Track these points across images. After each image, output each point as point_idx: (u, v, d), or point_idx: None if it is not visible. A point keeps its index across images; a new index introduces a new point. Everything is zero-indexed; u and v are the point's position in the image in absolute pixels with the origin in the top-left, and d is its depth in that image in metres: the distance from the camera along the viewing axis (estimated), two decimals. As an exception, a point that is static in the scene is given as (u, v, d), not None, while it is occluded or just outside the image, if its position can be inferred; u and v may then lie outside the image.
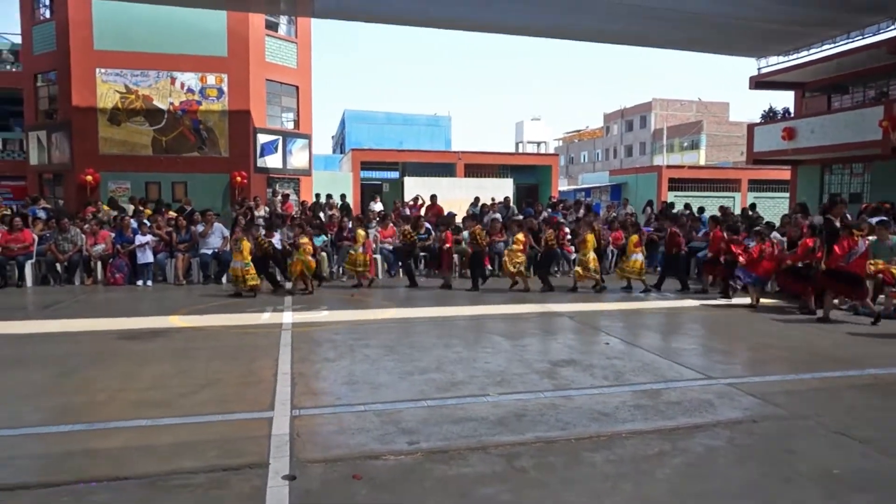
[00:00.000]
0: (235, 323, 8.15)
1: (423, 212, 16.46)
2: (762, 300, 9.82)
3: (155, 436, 4.13)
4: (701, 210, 16.52)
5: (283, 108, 21.22)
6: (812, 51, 18.01)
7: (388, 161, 28.79)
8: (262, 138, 20.16)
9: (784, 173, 24.74)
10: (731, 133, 54.31)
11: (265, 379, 5.47)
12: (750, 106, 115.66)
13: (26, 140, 20.81)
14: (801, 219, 10.79)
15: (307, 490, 3.33)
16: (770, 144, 20.64)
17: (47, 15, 19.38)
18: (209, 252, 12.00)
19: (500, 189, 23.68)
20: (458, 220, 14.18)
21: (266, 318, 8.55)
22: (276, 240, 11.45)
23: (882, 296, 9.15)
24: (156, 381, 5.40)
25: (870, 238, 9.35)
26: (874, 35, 16.45)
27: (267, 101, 20.35)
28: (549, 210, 16.67)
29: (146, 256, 11.69)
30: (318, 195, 18.65)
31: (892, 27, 15.91)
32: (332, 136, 47.55)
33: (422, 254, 13.13)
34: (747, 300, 9.82)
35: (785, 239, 10.66)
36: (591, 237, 11.02)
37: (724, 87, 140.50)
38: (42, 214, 13.71)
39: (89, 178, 18.11)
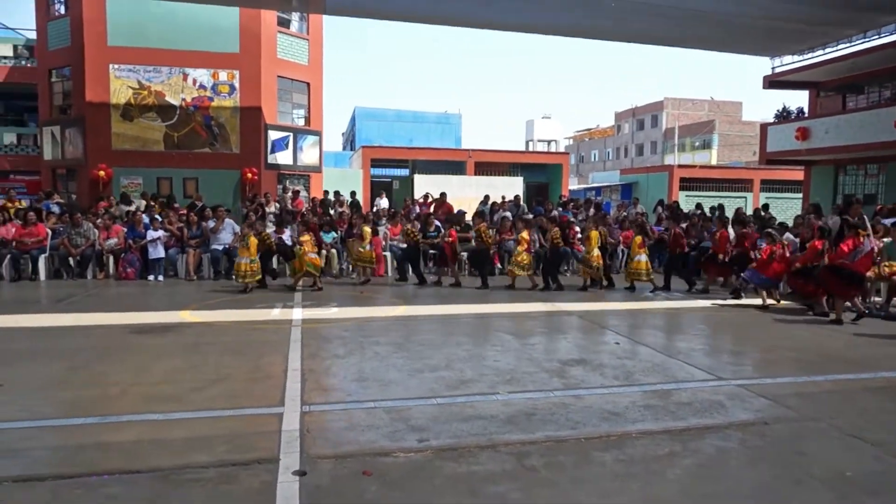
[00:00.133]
0: (245, 319, 8.20)
1: (432, 209, 16.45)
2: (771, 301, 9.74)
3: (166, 430, 4.17)
4: (721, 208, 16.34)
5: (294, 104, 21.28)
6: (827, 50, 17.82)
7: (398, 158, 28.83)
8: (273, 135, 20.24)
9: (797, 174, 24.53)
10: (744, 133, 53.92)
11: (275, 375, 5.50)
12: (763, 105, 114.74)
13: (40, 135, 21.01)
14: (815, 220, 10.69)
15: (317, 486, 3.34)
16: (783, 144, 20.47)
17: (62, 11, 19.54)
18: (220, 248, 12.06)
19: (511, 187, 23.63)
20: (469, 217, 14.16)
21: (276, 314, 8.59)
22: (287, 236, 11.51)
23: (896, 298, 9.07)
24: (167, 375, 5.44)
25: (885, 240, 9.27)
26: (890, 35, 16.26)
27: (278, 97, 20.42)
28: (560, 209, 16.62)
29: (158, 251, 11.77)
30: (326, 192, 18.70)
31: (909, 27, 15.74)
32: (343, 133, 47.68)
33: (431, 251, 13.12)
34: (758, 301, 9.75)
35: (798, 240, 10.57)
36: (594, 234, 11.02)
37: (737, 87, 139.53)
38: (56, 209, 13.85)
39: (102, 173, 18.28)
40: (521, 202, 17.57)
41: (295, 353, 6.26)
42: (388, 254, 12.80)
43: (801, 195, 23.73)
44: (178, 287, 11.05)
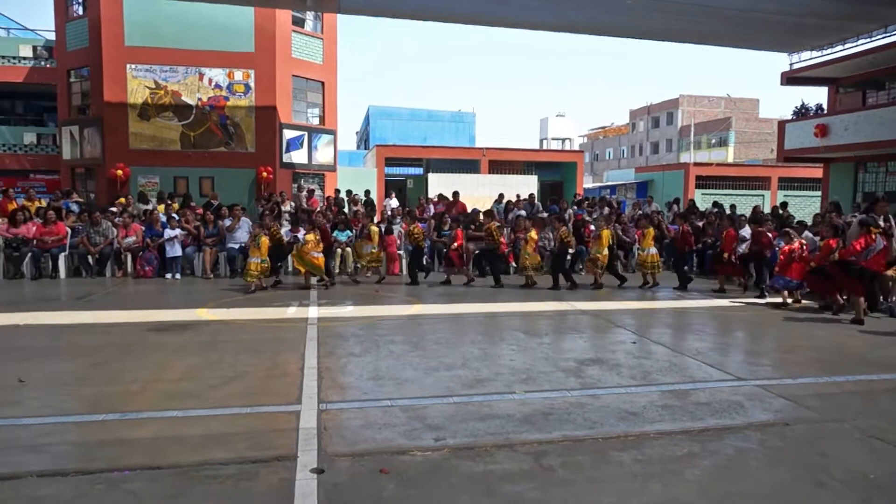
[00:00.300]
0: (262, 317, 8.25)
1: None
2: (791, 301, 9.63)
3: (186, 426, 4.21)
4: (732, 208, 16.20)
5: (308, 103, 21.38)
6: (847, 45, 17.53)
7: (412, 157, 28.86)
8: (288, 134, 20.35)
9: (816, 171, 24.23)
10: (761, 130, 53.30)
11: (292, 372, 5.53)
12: (781, 102, 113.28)
13: (59, 135, 21.29)
14: (836, 218, 10.56)
15: (335, 484, 3.35)
16: (802, 142, 20.22)
17: (80, 12, 19.79)
18: (236, 246, 12.16)
19: (525, 186, 23.57)
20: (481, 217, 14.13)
21: (292, 312, 8.64)
22: (302, 235, 11.56)
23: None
24: (185, 372, 5.49)
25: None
26: (911, 30, 15.99)
27: (293, 96, 20.53)
28: (575, 207, 16.55)
29: (175, 250, 11.90)
30: (337, 190, 18.74)
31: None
32: (357, 132, 47.78)
33: (445, 250, 13.10)
34: (777, 299, 9.65)
35: (817, 239, 10.44)
36: (606, 233, 10.99)
37: (754, 84, 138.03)
38: (75, 208, 14.04)
39: (119, 172, 18.50)
40: (536, 201, 17.50)
41: (311, 350, 6.29)
42: (402, 252, 12.81)
43: (819, 193, 23.44)
44: (195, 285, 11.16)
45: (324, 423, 4.23)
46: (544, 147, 61.88)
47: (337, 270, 12.12)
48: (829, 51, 18.15)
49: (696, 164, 32.94)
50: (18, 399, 4.75)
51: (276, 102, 19.75)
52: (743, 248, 11.12)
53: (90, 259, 11.91)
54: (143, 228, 12.33)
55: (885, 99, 19.52)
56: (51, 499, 3.17)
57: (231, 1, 16.83)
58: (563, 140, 70.27)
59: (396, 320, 8.24)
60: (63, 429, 4.18)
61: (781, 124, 21.82)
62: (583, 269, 13.07)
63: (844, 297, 8.97)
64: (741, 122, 54.55)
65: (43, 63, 23.25)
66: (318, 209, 15.49)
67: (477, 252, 12.14)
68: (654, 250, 11.31)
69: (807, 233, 10.67)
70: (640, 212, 16.57)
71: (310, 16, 21.03)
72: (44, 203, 14.12)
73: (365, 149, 37.22)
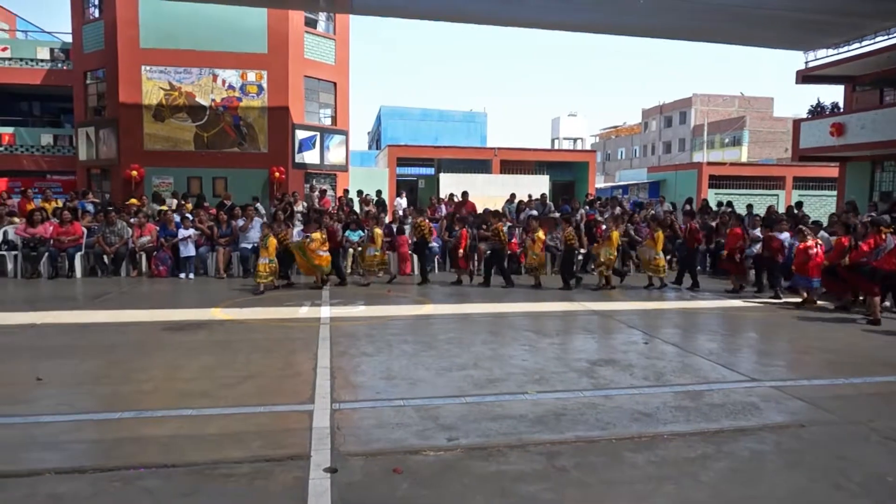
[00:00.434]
0: (275, 316, 8.30)
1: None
2: (807, 300, 9.53)
3: (201, 425, 4.24)
4: (749, 207, 16.02)
5: (320, 104, 21.47)
6: (864, 43, 17.33)
7: (423, 157, 28.87)
8: (301, 134, 20.45)
9: (831, 171, 23.94)
10: (776, 129, 52.78)
11: (305, 372, 5.56)
12: (796, 101, 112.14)
13: (76, 136, 21.54)
14: (854, 217, 10.44)
15: (348, 483, 3.37)
16: (817, 140, 19.98)
17: (96, 14, 20.00)
18: (249, 246, 12.23)
19: (537, 186, 23.51)
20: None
21: (304, 312, 8.68)
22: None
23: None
24: (199, 371, 5.54)
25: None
26: (930, 26, 15.77)
27: (305, 97, 20.62)
28: (587, 207, 16.47)
29: (188, 250, 11.99)
30: (346, 191, 18.75)
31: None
32: (368, 132, 47.90)
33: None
34: (797, 299, 9.55)
35: (832, 239, 10.33)
36: (615, 234, 10.93)
37: (769, 83, 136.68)
38: (90, 208, 14.20)
39: (134, 172, 18.69)
40: (548, 200, 17.44)
41: (324, 350, 6.32)
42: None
43: (835, 192, 23.15)
44: (209, 285, 11.24)
45: (337, 423, 4.25)
46: (556, 147, 61.69)
47: (349, 270, 12.16)
48: (845, 48, 17.94)
49: (709, 164, 32.68)
50: (37, 397, 4.82)
51: (289, 103, 19.85)
52: (756, 248, 11.02)
53: (106, 259, 12.04)
54: (158, 228, 12.44)
55: (902, 97, 19.28)
56: (68, 496, 3.21)
57: (244, 2, 16.95)
58: (575, 140, 70.03)
59: (408, 320, 8.26)
60: (80, 426, 4.23)
61: (796, 123, 21.59)
62: (594, 269, 13.03)
63: (861, 298, 8.88)
64: (755, 121, 54.05)
65: (60, 65, 23.51)
66: (330, 209, 15.55)
67: (489, 253, 12.13)
68: (660, 255, 11.02)
69: (822, 233, 10.56)
70: (652, 211, 16.37)
71: (322, 17, 21.12)
72: (60, 203, 14.30)
73: (377, 149, 37.30)
